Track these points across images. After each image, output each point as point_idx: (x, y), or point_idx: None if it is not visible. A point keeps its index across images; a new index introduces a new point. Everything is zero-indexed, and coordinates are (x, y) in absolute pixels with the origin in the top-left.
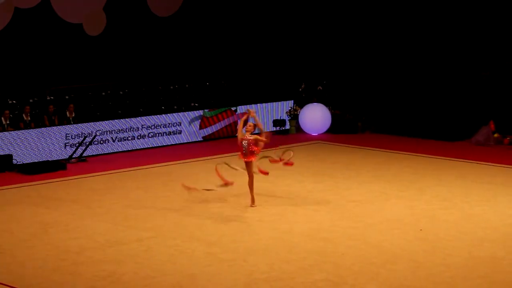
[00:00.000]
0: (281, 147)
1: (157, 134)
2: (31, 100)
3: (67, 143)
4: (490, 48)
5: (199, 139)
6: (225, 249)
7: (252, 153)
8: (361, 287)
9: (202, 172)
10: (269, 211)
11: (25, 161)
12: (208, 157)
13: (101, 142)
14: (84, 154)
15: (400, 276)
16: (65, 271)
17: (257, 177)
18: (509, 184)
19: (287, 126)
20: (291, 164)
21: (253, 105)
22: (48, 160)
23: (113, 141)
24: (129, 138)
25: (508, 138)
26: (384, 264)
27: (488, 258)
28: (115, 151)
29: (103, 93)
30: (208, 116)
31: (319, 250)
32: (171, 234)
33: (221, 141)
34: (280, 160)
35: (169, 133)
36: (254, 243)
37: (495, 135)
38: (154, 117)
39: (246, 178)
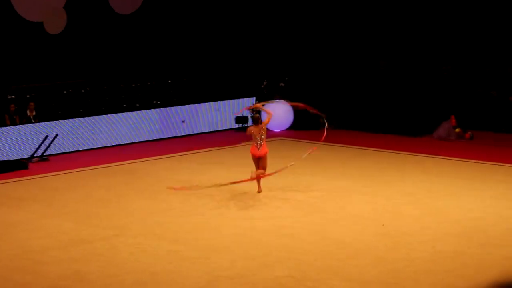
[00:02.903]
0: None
1: (119, 132)
2: None
3: (28, 142)
4: (451, 42)
5: (161, 137)
6: (187, 246)
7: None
8: (323, 283)
9: (164, 170)
10: (232, 208)
11: None
12: (170, 155)
13: (63, 140)
14: (46, 153)
15: (363, 271)
16: (28, 271)
17: (219, 175)
18: (471, 178)
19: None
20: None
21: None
22: (10, 160)
23: (75, 139)
24: (91, 137)
25: (469, 133)
26: (347, 260)
27: (452, 252)
28: (77, 149)
29: (65, 92)
30: None
31: (282, 246)
32: (134, 232)
33: (184, 139)
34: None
35: (132, 131)
36: (217, 240)
37: (457, 130)
38: (116, 115)
39: (207, 175)
